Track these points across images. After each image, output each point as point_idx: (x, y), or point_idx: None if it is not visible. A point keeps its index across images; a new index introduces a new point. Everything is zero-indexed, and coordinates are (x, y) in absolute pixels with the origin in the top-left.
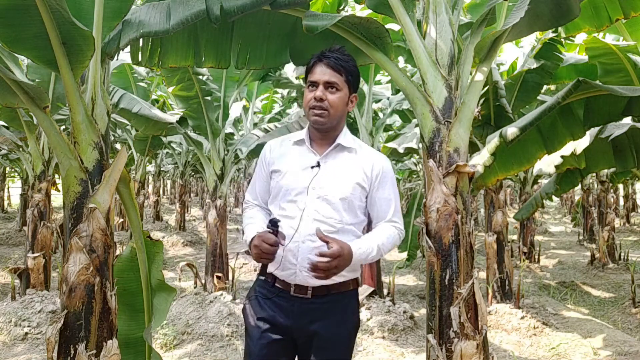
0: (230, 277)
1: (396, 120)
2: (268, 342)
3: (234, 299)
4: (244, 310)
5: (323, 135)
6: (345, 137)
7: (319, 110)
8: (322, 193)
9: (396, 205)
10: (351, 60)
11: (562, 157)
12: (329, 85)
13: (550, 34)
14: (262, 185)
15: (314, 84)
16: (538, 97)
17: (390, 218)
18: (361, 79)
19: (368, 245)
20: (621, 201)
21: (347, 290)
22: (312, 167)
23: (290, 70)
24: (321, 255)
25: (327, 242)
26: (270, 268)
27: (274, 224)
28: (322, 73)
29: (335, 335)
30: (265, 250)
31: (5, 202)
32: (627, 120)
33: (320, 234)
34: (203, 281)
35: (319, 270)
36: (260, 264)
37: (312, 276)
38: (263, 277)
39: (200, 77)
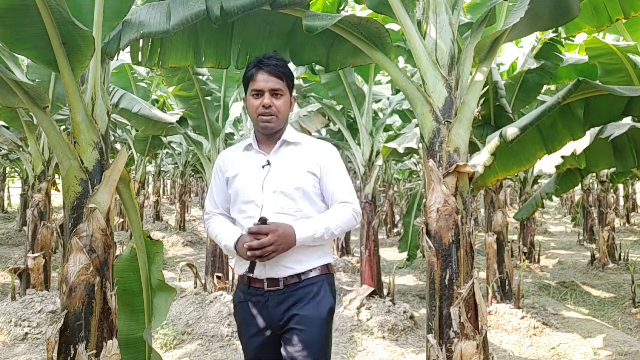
0: (230, 277)
1: (396, 120)
2: (255, 347)
3: None
4: (234, 316)
5: (270, 137)
6: (289, 133)
7: (267, 116)
8: (276, 187)
9: (347, 187)
10: (286, 65)
11: (562, 157)
12: (273, 92)
13: (550, 34)
14: (220, 193)
15: (259, 92)
16: (538, 97)
17: (343, 199)
18: (361, 79)
19: (314, 226)
20: (621, 201)
21: (318, 276)
22: (264, 166)
23: None
24: (249, 232)
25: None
26: (242, 270)
27: (263, 221)
28: (265, 81)
29: (311, 315)
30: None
31: (5, 202)
32: (627, 120)
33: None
34: (203, 281)
35: (254, 250)
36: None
37: (249, 256)
38: (251, 275)
39: (200, 77)
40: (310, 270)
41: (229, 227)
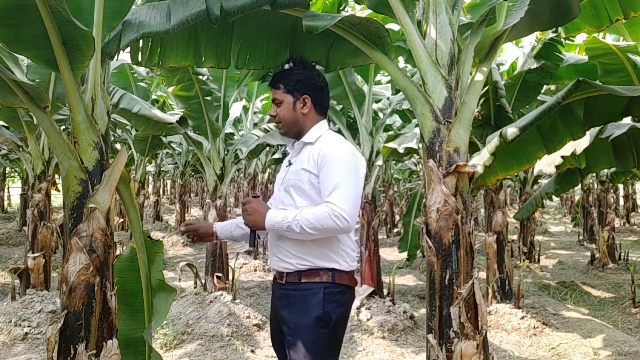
0: (230, 277)
1: (396, 120)
2: (273, 335)
3: (234, 299)
4: None
5: (296, 139)
6: (310, 134)
7: (276, 125)
8: (284, 184)
9: (337, 186)
10: (289, 70)
11: (562, 157)
12: (275, 102)
13: (550, 34)
14: None
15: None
16: (538, 97)
17: (326, 199)
18: (361, 79)
19: (284, 215)
20: (621, 201)
21: (316, 282)
22: (287, 167)
23: None
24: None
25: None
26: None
27: (255, 196)
28: (271, 94)
29: (296, 323)
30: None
31: (5, 202)
32: (627, 120)
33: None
34: (203, 281)
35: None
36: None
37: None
38: (251, 248)
39: (200, 77)
40: (312, 273)
41: None
